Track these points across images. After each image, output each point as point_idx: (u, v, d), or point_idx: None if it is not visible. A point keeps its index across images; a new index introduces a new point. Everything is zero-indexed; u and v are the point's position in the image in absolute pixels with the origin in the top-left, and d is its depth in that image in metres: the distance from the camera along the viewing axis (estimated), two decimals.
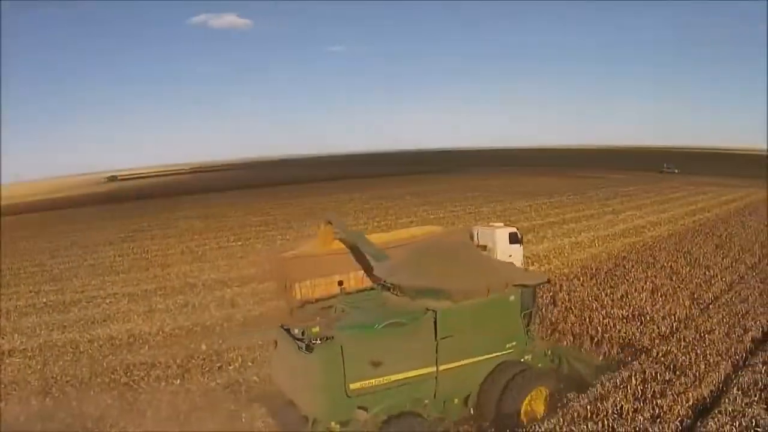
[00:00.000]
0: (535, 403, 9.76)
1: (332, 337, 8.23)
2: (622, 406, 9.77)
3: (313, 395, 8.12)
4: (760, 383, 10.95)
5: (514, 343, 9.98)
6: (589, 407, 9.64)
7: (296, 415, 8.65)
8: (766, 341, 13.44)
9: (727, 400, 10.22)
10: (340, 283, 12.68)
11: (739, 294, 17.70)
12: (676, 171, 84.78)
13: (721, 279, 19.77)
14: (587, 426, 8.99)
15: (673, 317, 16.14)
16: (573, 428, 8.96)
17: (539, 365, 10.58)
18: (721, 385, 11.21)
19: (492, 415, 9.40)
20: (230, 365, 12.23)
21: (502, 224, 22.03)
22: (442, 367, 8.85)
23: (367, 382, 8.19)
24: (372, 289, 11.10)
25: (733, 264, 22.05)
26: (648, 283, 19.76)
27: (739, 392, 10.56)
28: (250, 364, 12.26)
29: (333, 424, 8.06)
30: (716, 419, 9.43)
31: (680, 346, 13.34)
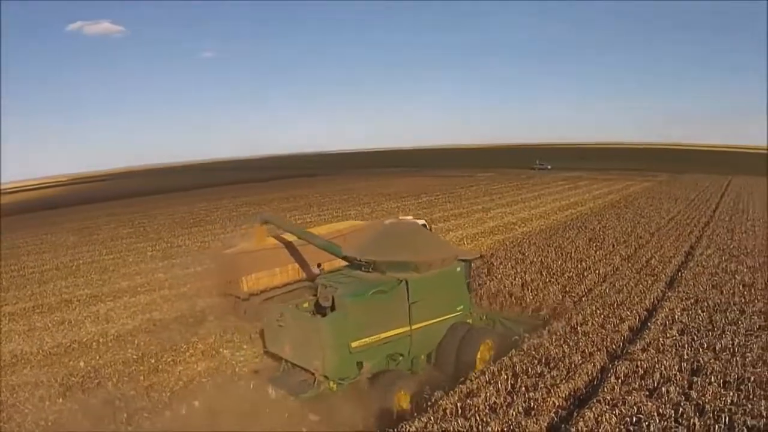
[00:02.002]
0: (484, 353, 13.62)
1: (333, 307, 11.99)
2: (493, 401, 10.95)
3: (326, 355, 11.32)
4: (640, 370, 12.08)
5: (461, 307, 14.16)
6: (459, 404, 10.85)
7: (295, 381, 12.08)
8: (643, 329, 14.90)
9: (605, 390, 11.12)
10: (319, 265, 16.63)
11: (614, 285, 19.72)
12: (549, 167, 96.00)
13: (595, 271, 21.92)
14: (458, 422, 10.14)
15: (543, 310, 17.66)
16: (444, 425, 10.11)
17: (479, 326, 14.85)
18: (597, 375, 12.24)
19: (451, 367, 13.06)
20: (108, 381, 14.28)
21: (411, 217, 27.01)
22: (414, 327, 12.68)
23: (363, 340, 11.78)
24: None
25: (607, 256, 24.65)
26: (517, 278, 21.28)
27: (618, 381, 11.56)
28: (125, 378, 14.38)
29: (331, 383, 11.45)
30: (594, 409, 10.17)
31: (552, 339, 14.44)
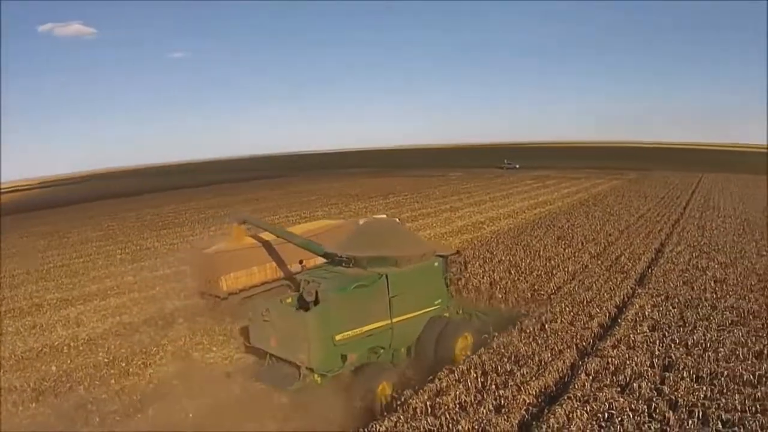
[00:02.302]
0: (462, 346, 14.28)
1: (317, 301, 12.40)
2: (463, 399, 11.18)
3: (311, 347, 11.85)
4: (611, 367, 12.21)
5: (439, 301, 14.79)
6: (428, 403, 11.10)
7: (281, 375, 12.58)
8: (614, 326, 15.08)
9: (575, 386, 11.23)
10: (301, 261, 17.24)
11: (583, 282, 19.97)
12: (517, 166, 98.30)
13: (563, 269, 22.17)
14: (428, 421, 10.36)
15: (512, 309, 17.96)
16: (414, 424, 10.33)
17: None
18: (568, 372, 12.39)
19: (431, 360, 13.66)
20: (80, 385, 14.59)
21: (385, 215, 28.36)
22: (395, 320, 13.32)
23: (346, 333, 12.35)
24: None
25: (576, 254, 24.92)
26: (486, 277, 21.44)
27: (588, 377, 11.71)
28: (97, 382, 14.69)
29: (316, 376, 11.95)
30: (565, 405, 10.25)
31: (521, 336, 14.61)
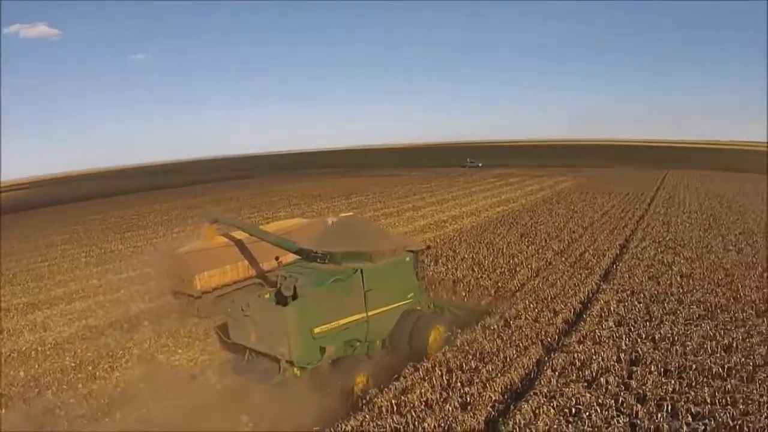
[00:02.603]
0: (435, 339, 14.85)
1: (295, 296, 12.96)
2: (429, 397, 11.34)
3: (291, 341, 12.35)
4: (577, 362, 12.26)
5: (412, 295, 15.41)
6: (394, 401, 11.29)
7: (260, 369, 13.16)
8: (579, 322, 15.16)
9: (541, 382, 11.25)
10: (277, 258, 17.32)
11: (547, 279, 20.11)
12: (480, 165, 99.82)
13: (527, 266, 22.29)
14: (394, 419, 10.55)
15: (481, 303, 18.17)
16: (379, 423, 10.52)
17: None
18: (534, 368, 12.41)
19: (405, 352, 14.39)
20: (48, 390, 14.82)
21: (352, 213, 27.81)
22: (370, 313, 13.99)
23: (324, 326, 12.96)
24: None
25: (540, 251, 25.11)
26: (448, 275, 21.51)
27: (554, 373, 11.73)
28: (64, 387, 14.90)
29: (295, 369, 12.57)
30: (531, 401, 10.26)
31: (485, 334, 14.62)
